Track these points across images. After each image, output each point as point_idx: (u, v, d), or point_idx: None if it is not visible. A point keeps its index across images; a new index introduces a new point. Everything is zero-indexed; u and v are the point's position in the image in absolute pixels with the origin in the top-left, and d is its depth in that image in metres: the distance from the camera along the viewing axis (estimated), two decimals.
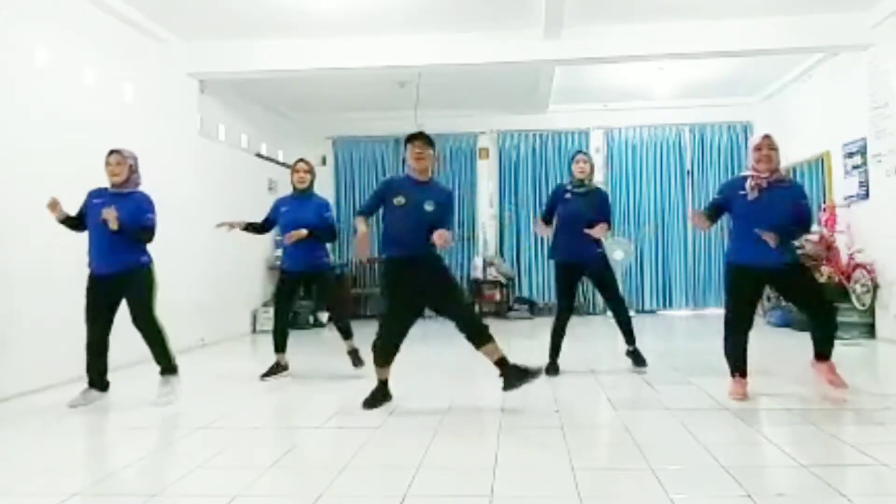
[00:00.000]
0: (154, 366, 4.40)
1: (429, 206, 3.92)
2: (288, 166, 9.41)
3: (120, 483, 2.88)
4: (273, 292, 5.26)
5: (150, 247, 4.38)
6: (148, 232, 4.30)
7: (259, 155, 8.86)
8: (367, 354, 4.33)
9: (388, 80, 8.19)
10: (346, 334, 5.14)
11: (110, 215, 4.05)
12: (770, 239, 3.83)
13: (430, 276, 3.96)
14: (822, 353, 4.07)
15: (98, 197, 4.30)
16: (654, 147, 9.98)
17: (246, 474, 2.83)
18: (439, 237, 3.77)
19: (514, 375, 3.92)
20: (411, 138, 4.03)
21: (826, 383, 4.05)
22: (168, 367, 4.37)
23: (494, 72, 7.76)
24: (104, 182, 4.30)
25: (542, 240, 10.04)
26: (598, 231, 4.83)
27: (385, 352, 4.01)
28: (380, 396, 4.06)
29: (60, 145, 5.07)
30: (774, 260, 3.90)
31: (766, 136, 3.95)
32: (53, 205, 4.22)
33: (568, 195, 5.00)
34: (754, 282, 4.04)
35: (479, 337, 3.93)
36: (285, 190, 8.90)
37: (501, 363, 3.92)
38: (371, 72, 7.27)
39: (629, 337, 5.07)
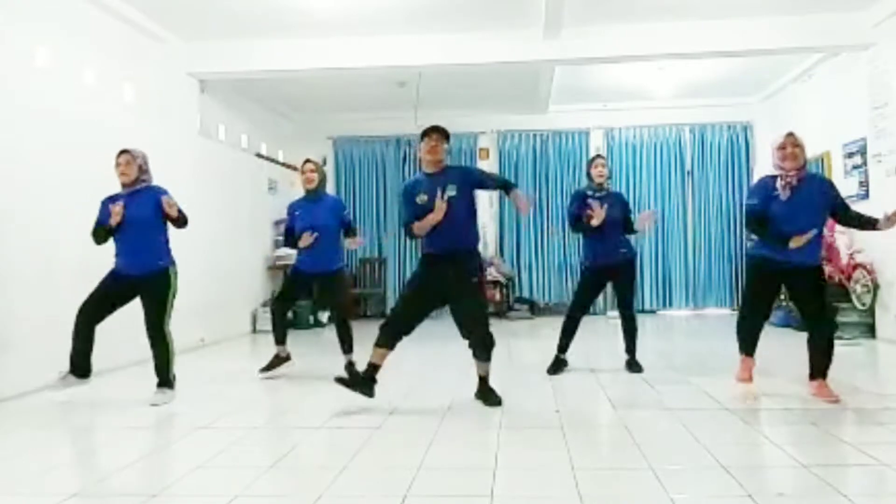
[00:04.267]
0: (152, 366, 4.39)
1: (451, 191, 3.89)
2: (288, 166, 9.47)
3: (120, 483, 2.88)
4: (281, 287, 5.21)
5: None
6: (183, 214, 4.32)
7: (259, 155, 8.85)
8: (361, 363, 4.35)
9: (388, 80, 8.19)
10: (347, 347, 5.04)
11: (170, 204, 4.13)
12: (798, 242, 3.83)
13: (459, 276, 3.91)
14: (816, 375, 3.98)
15: (113, 201, 4.29)
16: (654, 147, 9.97)
17: (246, 474, 2.83)
18: (521, 202, 3.92)
19: (488, 393, 4.06)
20: (428, 131, 3.99)
21: (817, 398, 3.97)
22: (165, 381, 4.35)
23: (494, 72, 7.75)
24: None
25: (542, 240, 10.07)
26: (646, 217, 5.03)
27: (392, 333, 3.93)
28: (361, 380, 3.92)
29: (60, 145, 5.07)
30: (804, 258, 3.90)
31: (790, 135, 3.93)
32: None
33: (591, 200, 4.94)
34: (778, 277, 4.05)
35: (482, 353, 4.02)
36: (285, 190, 8.98)
37: (483, 379, 4.09)
38: (371, 72, 7.27)
39: (630, 346, 5.07)
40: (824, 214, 3.98)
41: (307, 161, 5.19)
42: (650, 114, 9.79)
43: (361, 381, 3.95)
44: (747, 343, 4.24)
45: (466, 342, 4.03)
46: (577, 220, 4.97)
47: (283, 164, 9.44)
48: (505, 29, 6.64)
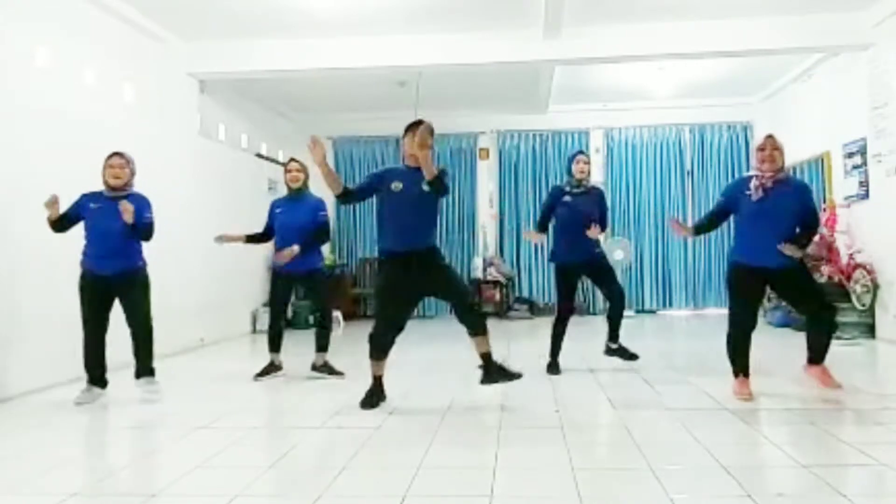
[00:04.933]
0: (159, 366, 4.39)
1: (425, 186, 3.87)
2: None
3: (120, 483, 2.88)
4: (269, 295, 5.24)
5: (150, 246, 4.40)
6: (149, 230, 4.32)
7: (259, 155, 8.85)
8: (347, 361, 4.32)
9: (388, 80, 8.19)
10: (323, 346, 5.05)
11: (128, 209, 4.09)
12: (792, 251, 3.85)
13: (428, 272, 3.93)
14: (816, 358, 4.03)
15: (95, 201, 4.30)
16: (654, 147, 9.98)
17: (246, 474, 2.83)
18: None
19: (495, 371, 3.98)
20: (412, 126, 3.95)
21: (820, 385, 4.00)
22: (151, 367, 4.38)
23: (494, 72, 7.76)
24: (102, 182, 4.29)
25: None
26: (593, 232, 4.86)
27: (382, 344, 3.97)
28: (376, 396, 4.02)
29: (60, 145, 5.07)
30: (777, 261, 3.91)
31: (770, 137, 3.98)
32: (53, 203, 4.20)
33: (567, 197, 5.00)
34: (757, 282, 4.03)
35: (475, 325, 3.94)
36: (285, 190, 8.97)
37: (486, 357, 3.98)
38: (371, 72, 7.27)
39: (614, 333, 5.06)
40: (794, 220, 3.97)
41: (292, 160, 5.22)
42: (650, 114, 9.79)
43: (377, 396, 4.00)
44: (741, 361, 4.07)
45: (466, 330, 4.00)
46: (543, 216, 5.09)
47: (284, 164, 9.42)
48: (505, 29, 6.64)
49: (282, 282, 5.12)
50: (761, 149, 3.96)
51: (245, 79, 7.54)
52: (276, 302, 5.16)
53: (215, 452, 3.17)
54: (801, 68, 8.14)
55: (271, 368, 5.10)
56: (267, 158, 9.04)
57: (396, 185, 3.91)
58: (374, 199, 4.05)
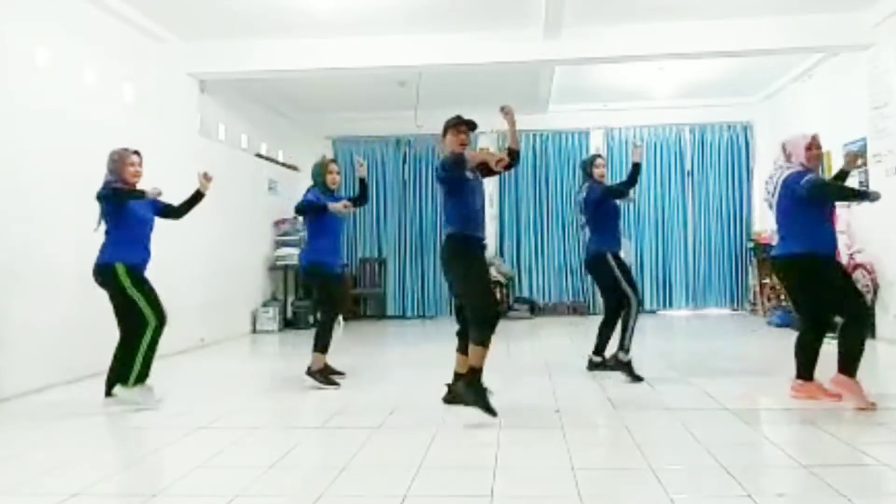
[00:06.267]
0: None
1: (471, 175, 4.03)
2: (288, 166, 9.47)
3: (120, 483, 2.88)
4: (327, 298, 5.01)
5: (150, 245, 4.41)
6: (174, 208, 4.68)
7: (259, 155, 8.85)
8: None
9: (388, 80, 8.19)
10: (326, 347, 4.88)
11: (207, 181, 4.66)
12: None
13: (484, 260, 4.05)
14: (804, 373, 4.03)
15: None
16: (654, 147, 9.97)
17: (246, 474, 2.83)
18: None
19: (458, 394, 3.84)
20: (458, 124, 4.02)
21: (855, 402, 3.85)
22: None
23: (494, 72, 7.75)
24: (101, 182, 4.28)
25: (542, 240, 10.06)
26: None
27: (496, 323, 3.72)
28: (483, 395, 3.65)
29: (60, 145, 5.07)
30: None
31: (815, 136, 4.10)
32: (158, 194, 4.23)
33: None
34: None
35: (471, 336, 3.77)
36: (285, 190, 8.98)
37: (461, 378, 3.89)
38: (371, 72, 7.27)
39: (603, 344, 5.02)
40: None
41: (334, 161, 5.29)
42: (650, 114, 9.79)
43: (484, 396, 3.64)
44: (812, 362, 4.06)
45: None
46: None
47: (283, 164, 9.43)
48: (505, 29, 6.64)
49: (339, 281, 5.14)
50: (808, 148, 4.05)
51: (245, 79, 7.54)
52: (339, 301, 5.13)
53: (215, 452, 3.18)
54: (801, 68, 8.14)
55: (335, 373, 4.93)
56: (270, 160, 9.04)
57: (468, 174, 3.96)
58: (446, 184, 3.97)
